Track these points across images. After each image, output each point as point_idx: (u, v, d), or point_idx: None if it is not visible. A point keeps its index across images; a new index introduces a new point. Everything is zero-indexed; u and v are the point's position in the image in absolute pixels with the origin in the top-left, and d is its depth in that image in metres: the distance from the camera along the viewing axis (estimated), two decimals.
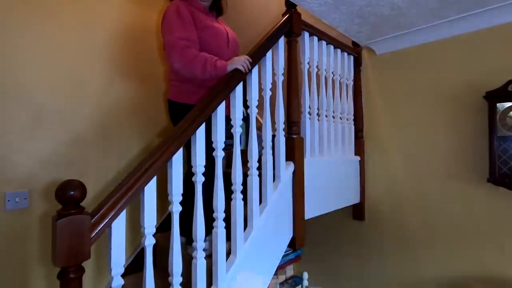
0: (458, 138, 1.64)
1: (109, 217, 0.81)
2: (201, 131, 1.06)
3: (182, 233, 1.30)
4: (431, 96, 1.75)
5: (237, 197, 1.18)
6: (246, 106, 1.28)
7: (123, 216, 0.85)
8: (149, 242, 0.91)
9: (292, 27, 1.45)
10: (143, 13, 1.87)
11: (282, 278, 2.28)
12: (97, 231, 0.79)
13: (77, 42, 1.59)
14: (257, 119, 2.18)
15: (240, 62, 1.20)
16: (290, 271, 2.36)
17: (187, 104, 1.34)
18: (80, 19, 1.61)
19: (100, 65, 1.68)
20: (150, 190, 0.91)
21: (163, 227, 1.92)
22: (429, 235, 1.75)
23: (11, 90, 1.38)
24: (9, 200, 1.31)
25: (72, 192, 0.76)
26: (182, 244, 1.44)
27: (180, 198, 0.99)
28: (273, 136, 1.40)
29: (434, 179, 1.73)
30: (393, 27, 1.70)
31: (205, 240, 1.19)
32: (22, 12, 1.42)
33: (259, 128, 1.66)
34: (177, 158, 0.98)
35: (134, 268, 1.74)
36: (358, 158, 1.99)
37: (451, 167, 1.67)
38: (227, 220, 1.16)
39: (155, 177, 0.92)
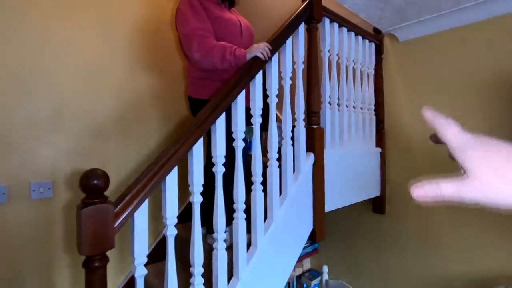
0: (487, 130, 1.55)
1: (132, 206, 0.81)
2: (221, 121, 1.04)
3: (202, 224, 1.31)
4: (458, 85, 1.66)
5: (257, 188, 1.16)
6: (264, 98, 1.24)
7: (145, 206, 0.84)
8: (171, 232, 0.90)
9: (312, 13, 1.40)
10: (160, 3, 1.85)
11: (299, 271, 2.27)
12: (120, 220, 0.79)
13: (96, 36, 1.60)
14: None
15: (260, 49, 1.17)
16: (307, 264, 2.35)
17: (206, 99, 1.34)
18: (99, 13, 1.61)
19: (120, 58, 1.68)
20: (172, 180, 0.90)
21: (183, 218, 1.94)
22: (454, 231, 1.67)
23: (35, 84, 1.40)
24: (34, 190, 1.34)
25: (95, 181, 0.76)
26: (202, 235, 1.45)
27: (201, 189, 0.98)
28: (293, 126, 1.37)
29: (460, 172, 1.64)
30: (418, 11, 1.61)
31: (225, 231, 1.19)
32: (43, 9, 1.43)
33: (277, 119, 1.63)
34: (198, 148, 0.97)
35: (155, 256, 1.76)
36: (379, 149, 1.92)
37: None
38: (247, 211, 1.15)
39: (176, 167, 0.90)
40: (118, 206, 0.79)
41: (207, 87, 1.36)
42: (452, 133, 0.32)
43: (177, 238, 1.48)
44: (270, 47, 1.20)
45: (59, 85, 1.47)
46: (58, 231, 1.43)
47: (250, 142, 1.42)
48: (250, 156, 1.25)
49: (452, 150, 0.32)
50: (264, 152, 1.26)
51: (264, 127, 1.29)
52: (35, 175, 1.37)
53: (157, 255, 1.75)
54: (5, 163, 1.30)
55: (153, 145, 1.80)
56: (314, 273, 2.27)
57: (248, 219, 1.14)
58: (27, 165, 1.35)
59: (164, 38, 1.86)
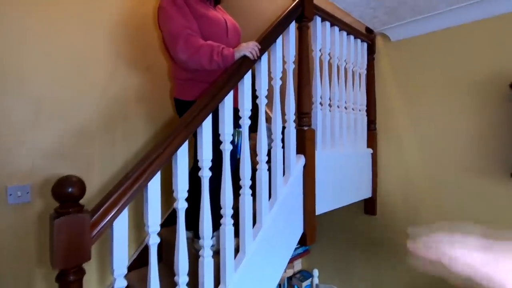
0: (480, 130, 1.54)
1: (111, 215, 0.76)
2: (207, 123, 1.00)
3: (188, 227, 1.27)
4: (450, 86, 1.65)
5: (246, 192, 1.12)
6: (253, 98, 1.20)
7: (125, 214, 0.79)
8: (154, 241, 0.86)
9: (304, 11, 1.36)
10: None
11: (290, 272, 2.24)
12: (97, 230, 0.74)
13: (78, 30, 1.52)
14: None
15: (249, 48, 1.13)
16: (298, 265, 2.32)
17: (193, 101, 1.29)
18: (82, 6, 1.53)
19: (103, 54, 1.61)
20: (154, 186, 0.85)
21: (169, 221, 1.89)
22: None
23: (10, 81, 1.32)
24: (10, 194, 1.27)
25: (70, 189, 0.71)
26: (188, 238, 1.41)
27: (186, 195, 0.93)
28: (283, 127, 1.33)
29: (452, 173, 1.64)
30: (411, 11, 1.59)
31: (212, 236, 1.14)
32: (22, 3, 1.35)
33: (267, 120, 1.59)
34: (183, 152, 0.92)
35: (140, 261, 1.71)
36: (371, 150, 1.91)
37: (471, 161, 1.58)
38: (236, 215, 1.11)
39: (159, 173, 0.86)
40: (95, 216, 0.74)
41: (194, 89, 1.31)
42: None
43: (163, 241, 1.44)
44: (259, 47, 1.15)
45: (39, 83, 1.40)
46: (36, 239, 1.35)
47: (238, 145, 1.37)
48: (239, 159, 1.21)
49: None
50: (254, 153, 1.22)
51: (253, 128, 1.25)
52: (13, 179, 1.29)
53: (141, 261, 1.70)
54: None
55: (140, 145, 1.74)
56: (305, 274, 2.25)
57: (237, 223, 1.11)
58: (4, 168, 1.28)
59: (149, 34, 1.79)
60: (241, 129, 1.27)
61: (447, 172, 1.66)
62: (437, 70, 1.69)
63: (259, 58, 1.18)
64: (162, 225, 1.39)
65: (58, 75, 1.45)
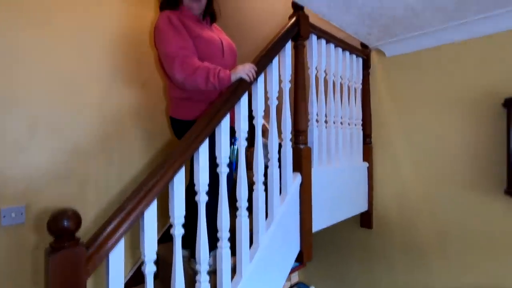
0: (474, 146, 1.56)
1: (106, 247, 0.75)
2: (204, 147, 1.00)
3: (184, 246, 1.26)
4: (444, 101, 1.67)
5: (242, 214, 1.12)
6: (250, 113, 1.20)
7: (121, 245, 0.79)
8: (150, 269, 0.85)
9: (299, 30, 1.37)
10: (140, 14, 1.78)
11: (287, 285, 2.23)
12: (93, 263, 0.73)
13: (73, 48, 1.52)
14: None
15: (245, 70, 1.13)
16: (295, 277, 2.32)
17: (188, 120, 1.29)
18: (76, 24, 1.53)
19: (99, 71, 1.60)
20: (151, 215, 0.85)
21: (165, 237, 1.87)
22: (440, 245, 1.68)
23: (4, 100, 1.31)
24: (4, 216, 1.25)
25: (65, 223, 0.70)
26: (184, 257, 1.40)
27: (182, 221, 0.93)
28: (280, 144, 1.33)
29: (446, 187, 1.66)
30: (405, 29, 1.61)
31: (209, 256, 1.14)
32: (15, 19, 1.35)
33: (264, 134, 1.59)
34: (179, 178, 0.92)
35: (136, 280, 1.70)
36: (366, 164, 1.92)
37: (465, 176, 1.59)
38: (232, 233, 1.10)
39: (155, 201, 0.85)
40: (91, 249, 0.73)
41: (189, 108, 1.31)
42: None
43: (160, 258, 1.43)
44: (256, 69, 1.16)
45: (34, 102, 1.39)
46: (31, 260, 1.33)
47: (233, 162, 1.37)
48: (235, 175, 1.21)
49: None
50: (250, 166, 1.22)
51: (250, 141, 1.25)
52: (7, 199, 1.28)
53: (137, 279, 1.69)
54: None
55: (135, 162, 1.73)
56: (302, 286, 2.25)
57: (233, 241, 1.10)
58: None
59: (144, 50, 1.78)
60: (236, 146, 1.28)
61: (442, 186, 1.67)
62: (432, 85, 1.71)
63: (256, 80, 1.18)
64: (158, 241, 1.38)
65: (53, 94, 1.44)
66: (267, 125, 2.23)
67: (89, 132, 1.54)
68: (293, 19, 1.36)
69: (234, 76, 1.14)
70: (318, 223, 1.49)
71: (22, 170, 1.33)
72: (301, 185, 1.37)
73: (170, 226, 1.93)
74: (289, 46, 1.37)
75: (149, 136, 1.80)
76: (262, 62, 1.22)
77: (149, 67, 1.81)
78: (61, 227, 0.70)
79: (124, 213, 0.79)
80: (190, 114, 1.31)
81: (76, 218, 0.72)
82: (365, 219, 1.96)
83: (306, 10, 1.40)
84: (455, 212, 1.63)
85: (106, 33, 1.64)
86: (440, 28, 1.58)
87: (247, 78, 1.13)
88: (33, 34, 1.40)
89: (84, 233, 0.75)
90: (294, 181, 1.35)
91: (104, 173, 1.59)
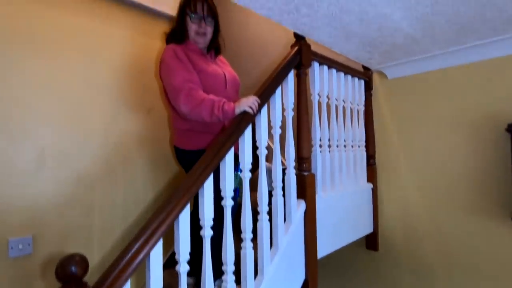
0: (478, 170, 1.56)
1: None
2: (209, 182, 1.01)
3: (190, 274, 1.26)
4: (447, 124, 1.67)
5: (247, 246, 1.12)
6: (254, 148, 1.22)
7: (127, 286, 0.79)
8: None
9: (301, 59, 1.40)
10: (147, 43, 1.83)
11: None
12: None
13: (81, 77, 1.55)
14: None
15: (249, 103, 1.15)
16: None
17: (192, 150, 1.31)
18: (85, 55, 1.57)
19: (105, 99, 1.64)
20: (157, 254, 0.86)
21: (170, 263, 1.87)
22: (447, 268, 1.66)
23: (14, 130, 1.34)
24: (12, 248, 1.26)
25: (73, 270, 0.71)
26: (190, 285, 1.40)
27: (188, 257, 0.93)
28: (283, 169, 1.34)
29: (452, 210, 1.64)
30: (406, 53, 1.63)
31: (214, 285, 1.13)
32: (24, 51, 1.39)
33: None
34: (184, 216, 0.93)
35: None
36: (371, 185, 1.91)
37: (471, 200, 1.58)
38: (237, 259, 1.10)
39: (161, 241, 0.86)
40: None
41: (193, 138, 1.34)
42: None
43: (164, 284, 1.42)
44: (259, 101, 1.18)
45: (42, 131, 1.42)
46: None
47: (237, 189, 1.38)
48: (239, 203, 1.22)
49: None
50: (254, 187, 1.22)
51: (254, 165, 1.25)
52: (14, 231, 1.29)
53: None
54: None
55: (140, 189, 1.75)
56: None
57: (238, 268, 1.10)
58: (6, 220, 1.28)
59: (150, 78, 1.82)
60: (240, 173, 1.28)
61: (448, 209, 1.66)
62: (434, 108, 1.72)
63: (259, 111, 1.20)
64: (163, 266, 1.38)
65: (61, 123, 1.48)
66: (271, 144, 2.23)
67: (94, 160, 1.56)
68: (295, 49, 1.39)
69: (238, 109, 1.16)
70: (323, 249, 1.49)
71: (29, 200, 1.35)
72: (305, 212, 1.37)
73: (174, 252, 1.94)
74: (291, 75, 1.39)
75: (153, 163, 1.82)
76: (265, 94, 1.24)
77: (154, 94, 1.84)
78: (68, 274, 0.71)
79: (129, 256, 0.80)
80: (193, 144, 1.33)
81: (84, 264, 0.73)
82: (370, 241, 1.95)
83: (307, 38, 1.43)
84: (462, 235, 1.61)
85: (113, 63, 1.68)
86: (441, 53, 1.60)
87: (250, 111, 1.15)
88: (43, 65, 1.44)
89: (90, 260, 0.76)
90: (298, 208, 1.35)
91: (109, 200, 1.61)
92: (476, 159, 1.57)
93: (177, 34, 1.38)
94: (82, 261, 0.73)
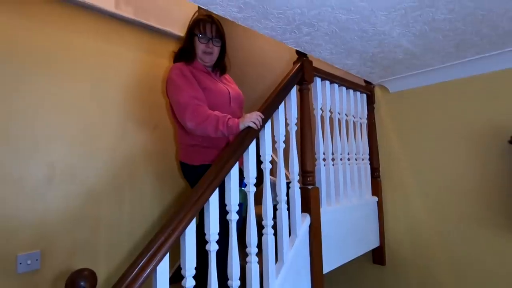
0: (484, 182, 1.55)
1: None
2: (214, 197, 1.03)
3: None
4: (450, 136, 1.68)
5: (252, 260, 1.12)
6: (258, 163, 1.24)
7: None
8: None
9: (304, 75, 1.44)
10: (155, 62, 1.89)
11: None
12: None
13: (90, 96, 1.61)
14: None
15: (252, 119, 1.18)
16: None
17: (197, 165, 1.34)
18: (93, 74, 1.63)
19: (113, 116, 1.68)
20: (163, 269, 0.87)
21: (176, 277, 1.86)
22: (455, 282, 1.63)
23: (26, 148, 1.39)
24: (20, 263, 1.28)
25: (82, 283, 0.72)
26: None
27: (194, 273, 0.94)
28: (288, 182, 1.35)
29: (459, 223, 1.63)
30: (407, 68, 1.67)
31: None
32: (37, 70, 1.45)
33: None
34: (190, 231, 0.94)
35: None
36: (376, 198, 1.91)
37: (477, 212, 1.57)
38: (243, 273, 1.10)
39: (167, 256, 0.88)
40: None
41: (198, 154, 1.37)
42: None
43: None
44: (263, 116, 1.21)
45: (52, 147, 1.45)
46: None
47: (242, 204, 1.39)
48: (244, 217, 1.22)
49: None
50: (258, 202, 1.23)
51: (258, 180, 1.27)
52: (23, 246, 1.32)
53: None
54: None
55: (146, 205, 1.77)
56: None
57: (243, 282, 1.10)
58: (16, 236, 1.30)
59: (157, 95, 1.87)
60: (245, 188, 1.30)
61: (454, 222, 1.64)
62: (436, 120, 1.74)
63: (263, 126, 1.23)
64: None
65: (70, 140, 1.52)
66: (275, 159, 2.25)
67: (102, 176, 1.60)
68: (298, 65, 1.43)
69: (242, 125, 1.19)
70: (329, 264, 1.47)
71: (39, 214, 1.38)
72: (310, 226, 1.37)
73: (179, 267, 1.93)
74: (294, 91, 1.42)
75: (159, 179, 1.85)
76: (269, 109, 1.27)
77: (161, 111, 1.89)
78: None
79: (136, 270, 0.81)
80: (198, 159, 1.36)
81: (92, 278, 0.74)
82: (377, 256, 1.92)
83: (309, 55, 1.47)
84: (469, 248, 1.59)
85: (121, 80, 1.74)
86: (441, 67, 1.63)
87: (254, 126, 1.18)
88: (54, 83, 1.49)
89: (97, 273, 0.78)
90: (303, 222, 1.35)
91: (116, 215, 1.63)
92: (481, 171, 1.56)
93: (185, 53, 1.44)
94: (91, 276, 0.74)
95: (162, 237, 0.87)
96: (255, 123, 1.18)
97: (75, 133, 1.54)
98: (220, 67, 1.52)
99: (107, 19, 1.70)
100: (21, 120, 1.39)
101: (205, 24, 1.43)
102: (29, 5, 1.44)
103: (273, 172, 1.97)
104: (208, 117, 1.23)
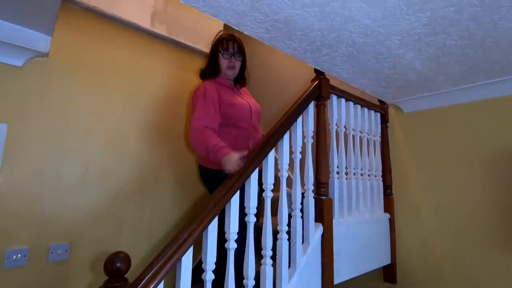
0: (497, 203, 1.57)
1: (150, 287, 0.85)
2: (235, 198, 1.11)
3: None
4: (463, 157, 1.72)
5: (267, 262, 1.19)
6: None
7: (161, 286, 0.88)
8: None
9: (321, 92, 1.54)
10: (184, 76, 2.05)
11: None
12: None
13: (122, 104, 1.77)
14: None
15: (232, 164, 1.21)
16: None
17: (215, 169, 1.43)
18: (128, 85, 1.81)
19: (142, 124, 1.83)
20: (187, 259, 0.95)
21: (194, 277, 1.92)
22: None
23: (64, 147, 1.53)
24: (52, 252, 1.39)
25: (118, 265, 0.81)
26: None
27: (213, 267, 1.02)
28: (302, 193, 1.42)
29: (472, 245, 1.63)
30: (420, 89, 1.74)
31: None
32: (78, 80, 1.62)
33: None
34: (213, 228, 1.02)
35: None
36: (388, 215, 1.94)
37: (490, 233, 1.58)
38: (257, 279, 1.15)
39: (191, 247, 0.96)
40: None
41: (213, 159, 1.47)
42: None
43: None
44: (242, 165, 1.19)
45: (87, 148, 1.60)
46: None
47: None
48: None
49: None
50: (274, 212, 1.30)
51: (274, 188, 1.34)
52: (55, 237, 1.43)
53: None
54: (29, 226, 1.37)
55: (166, 208, 1.88)
56: None
57: (257, 284, 1.15)
58: (49, 227, 1.42)
59: (182, 106, 2.03)
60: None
61: (467, 243, 1.65)
62: (449, 141, 1.78)
63: (281, 137, 1.32)
64: None
65: (102, 143, 1.66)
66: (291, 176, 2.33)
67: (129, 179, 1.72)
68: (315, 83, 1.53)
69: (223, 162, 1.26)
70: (340, 275, 1.51)
71: (71, 210, 1.50)
72: (322, 235, 1.42)
73: (196, 268, 2.00)
74: (311, 106, 1.52)
75: (180, 184, 1.97)
76: (288, 121, 1.37)
77: (185, 121, 2.03)
78: (115, 268, 0.81)
79: (165, 257, 0.90)
80: (214, 164, 1.45)
81: (127, 261, 0.83)
82: (388, 273, 1.92)
83: (326, 74, 1.58)
84: (482, 269, 1.58)
85: (153, 92, 1.90)
86: (454, 89, 1.70)
87: (229, 171, 1.19)
88: (92, 92, 1.66)
89: None
90: (316, 231, 1.41)
91: (138, 217, 1.74)
92: (494, 193, 1.59)
93: (210, 69, 1.60)
94: (126, 258, 0.83)
95: (189, 230, 0.96)
96: (230, 170, 1.19)
97: (108, 138, 1.68)
98: (240, 80, 1.67)
99: (143, 36, 1.88)
100: (63, 123, 1.54)
101: (228, 42, 1.59)
102: (83, 23, 1.64)
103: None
104: (201, 144, 1.37)
